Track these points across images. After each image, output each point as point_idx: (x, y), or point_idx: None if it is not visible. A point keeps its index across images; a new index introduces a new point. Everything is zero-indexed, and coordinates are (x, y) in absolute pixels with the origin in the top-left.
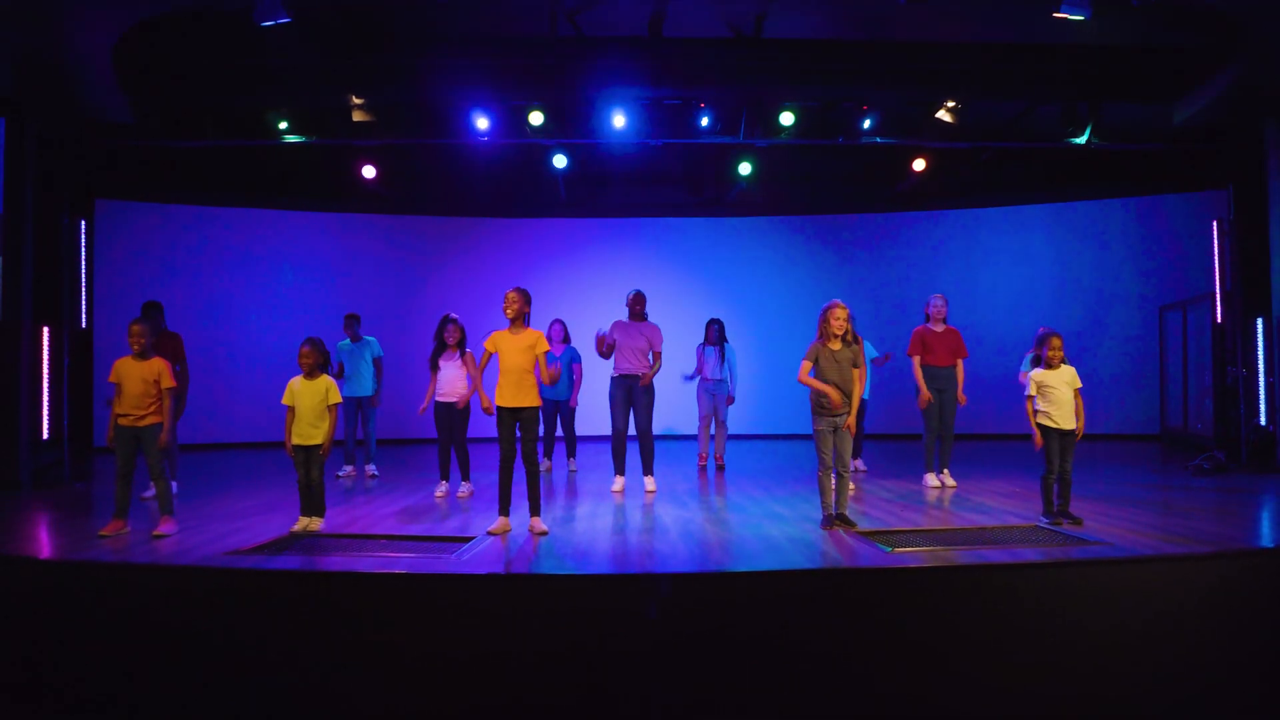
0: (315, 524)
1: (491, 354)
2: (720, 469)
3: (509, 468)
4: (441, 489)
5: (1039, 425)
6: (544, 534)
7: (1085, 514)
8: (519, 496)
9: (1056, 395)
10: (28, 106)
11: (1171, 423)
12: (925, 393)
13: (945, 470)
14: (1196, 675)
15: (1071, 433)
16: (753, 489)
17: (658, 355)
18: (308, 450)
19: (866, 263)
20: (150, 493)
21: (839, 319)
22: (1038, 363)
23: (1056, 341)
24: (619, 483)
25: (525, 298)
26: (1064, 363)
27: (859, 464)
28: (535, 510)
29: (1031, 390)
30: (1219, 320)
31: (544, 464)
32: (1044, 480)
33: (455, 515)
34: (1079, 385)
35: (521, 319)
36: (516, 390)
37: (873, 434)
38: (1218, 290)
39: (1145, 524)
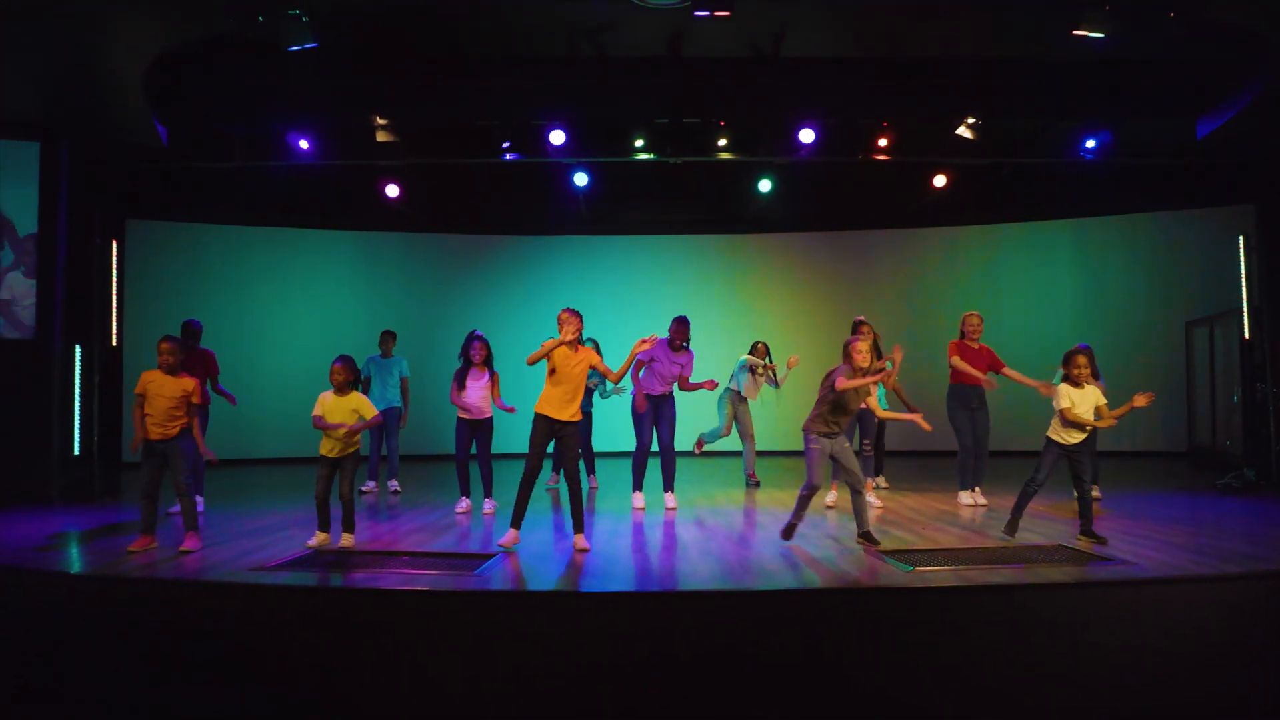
0: (344, 540)
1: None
2: (755, 485)
3: (531, 483)
4: (463, 505)
5: (1048, 438)
6: (585, 550)
7: (1110, 533)
8: (533, 513)
9: (1075, 414)
10: (61, 130)
11: (1199, 440)
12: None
13: (977, 489)
14: (1222, 699)
15: (1078, 448)
16: (773, 506)
17: (684, 380)
18: (335, 463)
19: (886, 279)
20: (177, 508)
21: (862, 352)
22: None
23: (1082, 359)
24: (639, 499)
25: (580, 317)
26: (1090, 380)
27: (880, 480)
28: (579, 527)
29: (1064, 403)
30: (1246, 336)
31: (552, 479)
32: (1025, 488)
33: (477, 532)
34: (1103, 402)
35: (579, 338)
36: (565, 403)
37: (894, 450)
38: (1244, 306)
39: (1172, 543)
